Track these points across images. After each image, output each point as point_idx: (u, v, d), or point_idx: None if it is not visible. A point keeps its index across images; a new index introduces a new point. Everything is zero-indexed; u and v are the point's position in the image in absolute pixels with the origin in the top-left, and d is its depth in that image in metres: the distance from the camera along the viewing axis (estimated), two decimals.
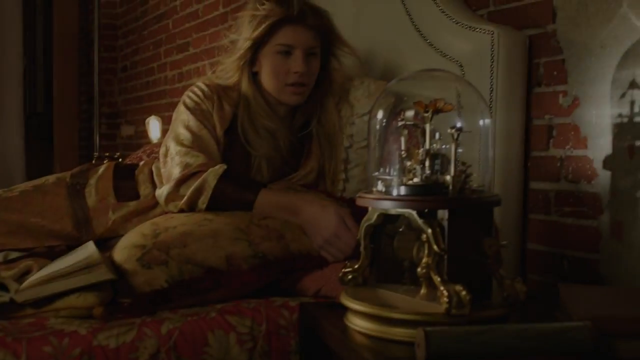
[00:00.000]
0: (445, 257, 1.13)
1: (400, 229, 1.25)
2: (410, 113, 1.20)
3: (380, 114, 1.24)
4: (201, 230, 1.47)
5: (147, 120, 3.18)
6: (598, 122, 1.58)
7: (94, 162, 3.37)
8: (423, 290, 1.18)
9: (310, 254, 1.53)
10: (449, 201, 1.14)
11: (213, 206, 1.61)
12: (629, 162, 1.51)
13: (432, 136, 1.20)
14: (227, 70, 1.84)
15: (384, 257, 1.27)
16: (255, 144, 1.78)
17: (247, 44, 1.78)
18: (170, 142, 1.73)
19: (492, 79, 1.67)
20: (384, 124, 1.25)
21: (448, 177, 1.17)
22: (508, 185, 1.71)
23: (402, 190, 1.17)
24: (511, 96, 1.69)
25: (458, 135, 1.16)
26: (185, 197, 1.63)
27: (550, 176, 1.70)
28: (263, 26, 1.75)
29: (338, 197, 1.73)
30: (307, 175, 1.82)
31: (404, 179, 1.19)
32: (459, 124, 1.20)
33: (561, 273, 1.67)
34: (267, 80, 1.80)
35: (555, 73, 1.68)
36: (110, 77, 5.04)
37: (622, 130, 1.52)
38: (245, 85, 1.81)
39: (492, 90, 1.67)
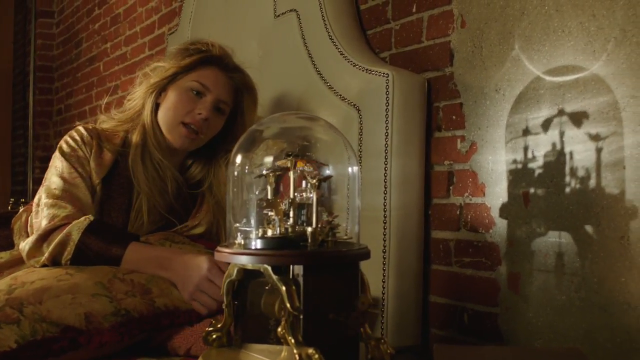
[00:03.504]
0: (301, 316, 1.03)
1: (267, 285, 1.15)
2: (269, 159, 1.11)
3: (239, 159, 1.14)
4: (60, 285, 1.35)
5: None
6: (494, 168, 1.51)
7: (9, 208, 3.24)
8: (284, 353, 1.07)
9: (178, 309, 1.41)
10: (302, 256, 1.04)
11: (78, 261, 1.49)
12: (525, 211, 1.43)
13: (299, 184, 1.11)
14: (136, 96, 1.77)
15: (250, 314, 1.17)
16: (140, 180, 1.68)
17: (171, 70, 1.72)
18: (42, 192, 1.62)
19: (387, 123, 1.59)
20: (246, 170, 1.15)
21: (310, 229, 1.08)
22: (406, 234, 1.61)
23: (259, 243, 1.08)
24: (408, 141, 1.61)
25: (319, 184, 1.08)
26: (47, 253, 1.51)
27: (450, 225, 1.61)
28: (195, 57, 1.72)
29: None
30: (195, 227, 1.72)
31: (268, 231, 1.10)
32: (327, 172, 1.13)
33: (462, 327, 1.58)
34: (164, 113, 1.73)
35: (453, 117, 1.61)
36: (46, 120, 4.90)
37: (517, 177, 1.45)
38: (146, 114, 1.74)
39: (387, 135, 1.58)
